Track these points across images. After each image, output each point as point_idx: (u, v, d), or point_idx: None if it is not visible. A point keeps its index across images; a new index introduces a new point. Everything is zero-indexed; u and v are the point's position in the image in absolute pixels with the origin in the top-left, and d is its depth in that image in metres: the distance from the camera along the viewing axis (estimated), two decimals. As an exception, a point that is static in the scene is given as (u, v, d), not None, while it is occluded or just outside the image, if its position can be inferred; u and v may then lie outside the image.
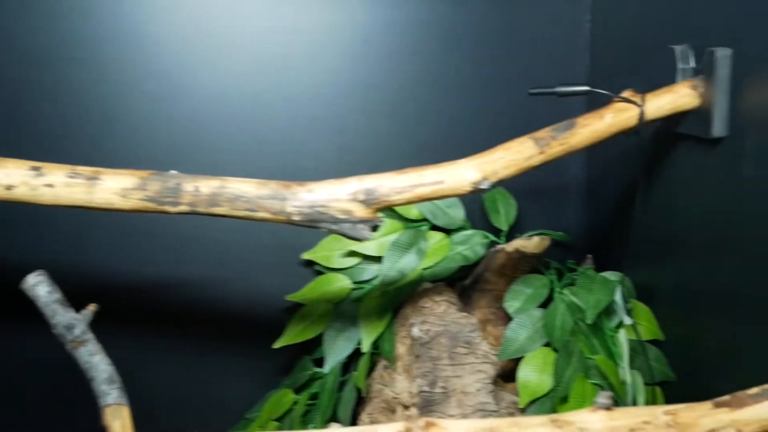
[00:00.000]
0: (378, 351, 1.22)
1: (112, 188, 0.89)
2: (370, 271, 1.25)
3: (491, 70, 1.32)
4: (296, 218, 0.91)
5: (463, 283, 1.24)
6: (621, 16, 1.25)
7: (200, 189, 0.90)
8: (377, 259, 1.24)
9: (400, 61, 1.30)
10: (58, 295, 0.91)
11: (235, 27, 1.28)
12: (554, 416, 0.76)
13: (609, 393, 0.79)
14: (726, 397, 0.74)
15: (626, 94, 0.96)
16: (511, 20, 1.31)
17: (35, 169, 0.88)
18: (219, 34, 1.27)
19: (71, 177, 0.88)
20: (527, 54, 1.33)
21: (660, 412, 0.75)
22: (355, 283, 1.25)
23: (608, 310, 1.12)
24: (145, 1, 1.26)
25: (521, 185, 1.27)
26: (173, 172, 0.91)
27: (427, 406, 1.06)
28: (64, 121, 1.26)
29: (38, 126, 1.26)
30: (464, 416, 1.06)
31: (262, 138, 1.30)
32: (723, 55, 0.91)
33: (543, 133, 0.94)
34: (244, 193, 0.90)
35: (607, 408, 0.74)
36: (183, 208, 0.90)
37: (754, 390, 0.73)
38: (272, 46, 1.29)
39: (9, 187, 0.87)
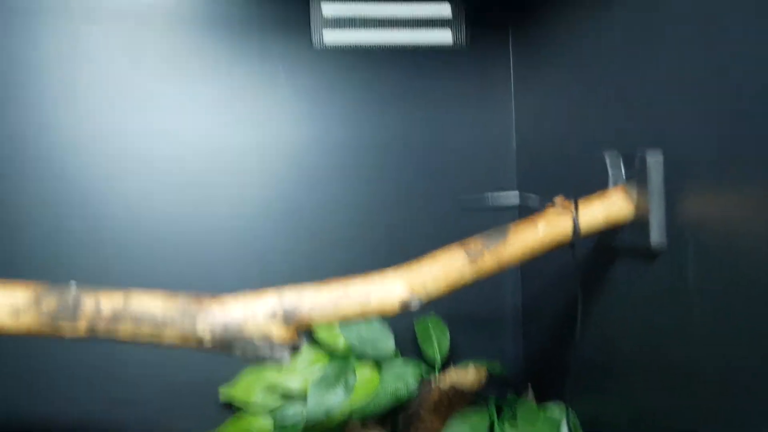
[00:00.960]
0: None
1: (2, 306, 0.80)
2: (294, 409, 1.20)
3: (418, 182, 1.32)
4: (208, 341, 0.82)
5: (393, 420, 1.19)
6: (545, 128, 1.25)
7: (101, 305, 0.80)
8: (302, 397, 1.20)
9: (326, 177, 1.32)
10: None
11: (158, 139, 1.28)
12: None
13: None
14: None
15: (558, 200, 0.94)
16: (435, 135, 1.32)
17: None
18: (139, 146, 1.28)
19: None
20: (455, 167, 1.33)
21: None
22: (277, 423, 1.20)
23: None
24: (60, 110, 1.24)
25: (454, 312, 1.30)
26: (72, 283, 0.82)
27: None
28: None
29: None
30: None
31: (179, 254, 1.27)
32: (654, 159, 0.90)
33: (473, 242, 0.90)
34: (150, 308, 0.82)
35: None
36: (81, 330, 0.80)
37: None
38: (195, 160, 1.28)
39: None
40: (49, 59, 1.23)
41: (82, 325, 0.82)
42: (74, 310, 0.81)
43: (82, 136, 1.25)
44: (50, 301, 0.81)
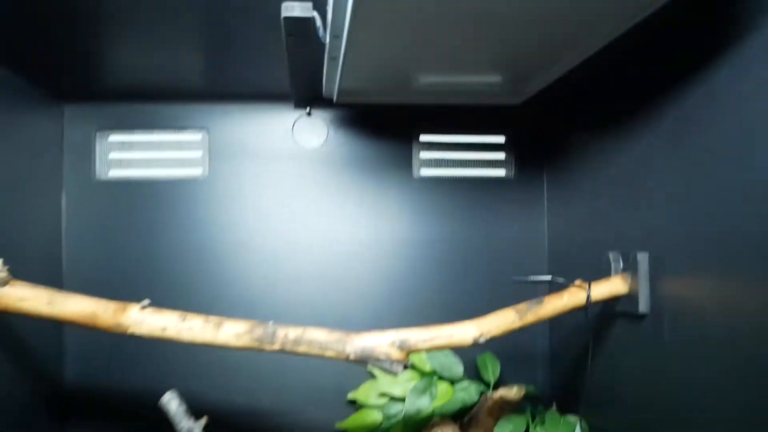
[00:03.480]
0: None
1: (230, 332, 0.86)
2: (396, 407, 1.19)
3: (482, 265, 1.29)
4: (352, 357, 0.86)
5: (462, 419, 1.18)
6: (567, 233, 1.22)
7: (289, 334, 0.86)
8: (401, 400, 1.18)
9: (419, 263, 1.28)
10: (183, 407, 0.89)
11: (311, 236, 1.25)
12: None
13: None
14: None
15: (577, 282, 0.93)
16: (493, 237, 1.29)
17: (181, 317, 0.86)
18: (298, 239, 1.25)
19: (205, 323, 0.85)
20: (506, 258, 1.29)
21: None
22: (385, 416, 1.19)
23: None
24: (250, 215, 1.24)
25: (504, 350, 1.25)
26: (271, 323, 0.88)
27: None
28: (194, 285, 1.23)
29: (182, 288, 1.23)
30: None
31: (325, 309, 1.26)
32: (642, 257, 0.90)
33: (521, 306, 0.92)
34: (318, 338, 0.86)
35: None
36: (276, 347, 0.86)
37: None
38: (336, 249, 1.26)
39: (163, 329, 0.84)
40: (252, 183, 1.23)
41: (276, 346, 0.85)
42: (272, 337, 0.85)
43: (270, 231, 1.25)
44: (258, 331, 0.85)
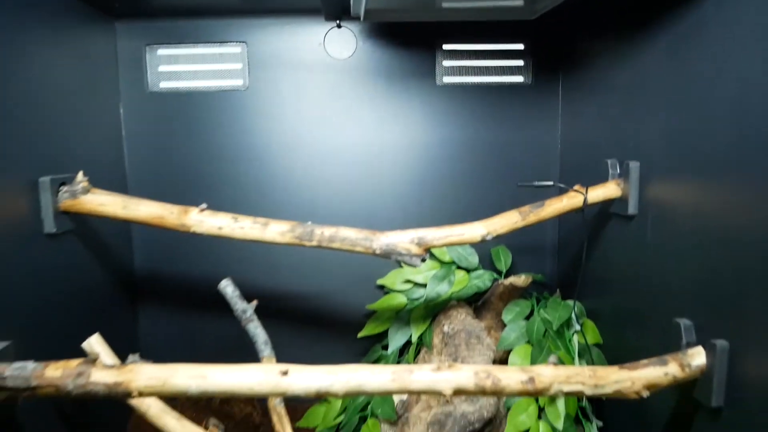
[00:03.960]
0: (421, 342, 1.21)
1: (275, 231, 0.96)
2: (419, 292, 1.25)
3: (496, 170, 1.33)
4: (378, 252, 0.96)
5: (476, 303, 1.26)
6: (577, 140, 1.24)
7: (324, 232, 0.96)
8: (423, 286, 1.25)
9: (440, 163, 1.32)
10: (237, 292, 0.98)
11: (345, 140, 1.30)
12: (524, 367, 0.77)
13: (556, 356, 0.83)
14: (627, 364, 0.78)
15: (576, 187, 0.99)
16: (509, 140, 1.32)
17: (234, 218, 0.95)
18: (335, 142, 1.30)
19: (253, 223, 0.95)
20: (519, 162, 1.33)
21: (586, 370, 0.77)
22: (409, 299, 1.25)
23: (568, 323, 1.13)
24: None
25: (515, 243, 1.31)
26: (309, 223, 0.97)
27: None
28: (240, 187, 1.30)
29: (230, 190, 1.30)
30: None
31: (358, 207, 1.33)
32: (634, 165, 0.95)
33: (525, 208, 0.99)
34: (349, 235, 0.96)
35: (555, 365, 0.77)
36: (314, 243, 0.96)
37: (644, 361, 0.78)
38: (368, 151, 1.31)
39: (219, 228, 0.94)
40: (288, 93, 1.28)
41: (314, 242, 0.96)
42: (310, 235, 0.96)
43: (306, 137, 1.30)
44: (298, 230, 0.96)
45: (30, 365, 0.73)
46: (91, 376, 0.72)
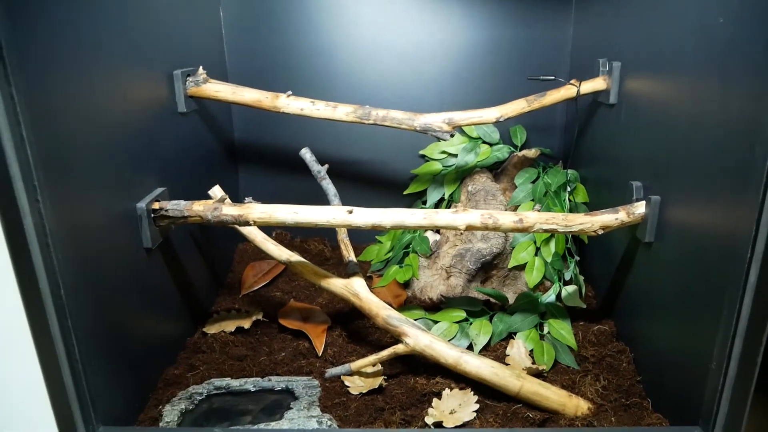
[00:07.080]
0: (452, 198, 1.36)
1: (342, 111, 1.13)
2: (451, 161, 1.40)
3: (509, 65, 1.40)
4: (418, 129, 1.13)
5: (496, 170, 1.39)
6: (584, 41, 1.30)
7: (378, 113, 1.14)
8: (455, 156, 1.39)
9: (464, 56, 1.40)
10: (314, 157, 1.16)
11: (382, 33, 1.39)
12: (516, 212, 0.95)
13: (540, 205, 1.01)
14: (590, 212, 0.97)
15: (572, 81, 1.14)
16: (527, 37, 1.38)
17: (312, 102, 1.13)
18: (374, 37, 1.38)
19: (326, 106, 1.13)
20: (531, 57, 1.39)
21: (560, 215, 0.94)
22: (443, 166, 1.40)
23: (564, 186, 1.26)
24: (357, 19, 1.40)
25: (530, 123, 1.42)
26: (367, 106, 1.12)
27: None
28: (314, 75, 1.41)
29: (309, 81, 1.42)
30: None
31: (400, 92, 1.42)
32: (616, 65, 1.08)
33: (531, 96, 1.15)
34: (396, 116, 1.13)
35: (538, 210, 0.94)
36: (371, 121, 1.14)
37: (602, 210, 0.97)
38: (405, 45, 1.39)
39: (301, 109, 1.12)
40: None
41: (371, 121, 1.14)
42: (368, 115, 1.14)
43: (366, 36, 1.39)
44: (359, 111, 1.14)
45: (183, 202, 0.99)
46: (222, 210, 0.98)
